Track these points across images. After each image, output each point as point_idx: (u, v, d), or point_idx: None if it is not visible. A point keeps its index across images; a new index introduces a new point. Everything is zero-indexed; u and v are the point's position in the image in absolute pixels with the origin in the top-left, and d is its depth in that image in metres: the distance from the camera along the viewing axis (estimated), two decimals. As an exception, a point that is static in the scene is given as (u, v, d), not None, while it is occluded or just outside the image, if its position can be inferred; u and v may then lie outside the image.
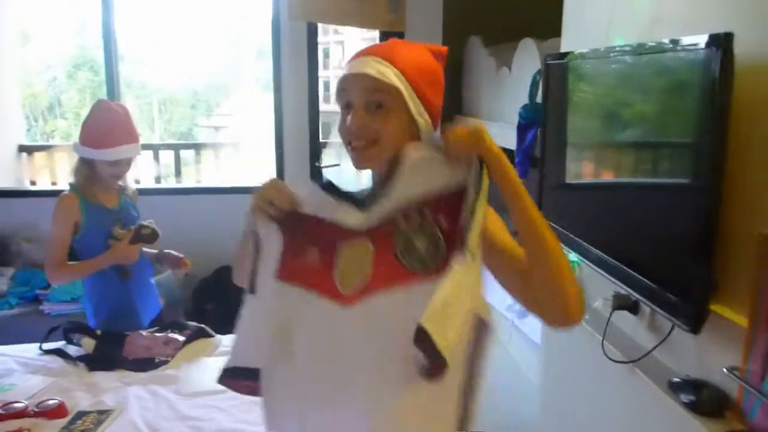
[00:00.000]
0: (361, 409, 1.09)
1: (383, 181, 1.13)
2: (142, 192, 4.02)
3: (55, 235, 2.39)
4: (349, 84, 1.16)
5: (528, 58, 2.92)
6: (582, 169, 1.97)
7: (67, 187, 2.45)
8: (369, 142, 1.14)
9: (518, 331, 3.68)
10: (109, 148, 2.37)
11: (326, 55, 10.87)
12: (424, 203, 1.09)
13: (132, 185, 2.65)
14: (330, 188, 1.19)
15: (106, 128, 2.38)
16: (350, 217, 1.14)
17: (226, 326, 2.68)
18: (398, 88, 1.12)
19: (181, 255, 2.69)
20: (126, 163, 2.46)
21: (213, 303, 3.78)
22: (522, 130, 3.10)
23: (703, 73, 1.29)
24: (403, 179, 1.11)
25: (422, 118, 1.16)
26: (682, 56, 1.39)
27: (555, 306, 1.08)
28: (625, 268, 1.61)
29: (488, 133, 1.06)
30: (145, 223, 2.51)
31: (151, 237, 2.51)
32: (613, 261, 1.66)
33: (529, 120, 3.00)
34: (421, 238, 1.07)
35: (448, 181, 1.09)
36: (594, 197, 1.88)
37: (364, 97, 1.14)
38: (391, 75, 1.12)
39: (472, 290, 1.01)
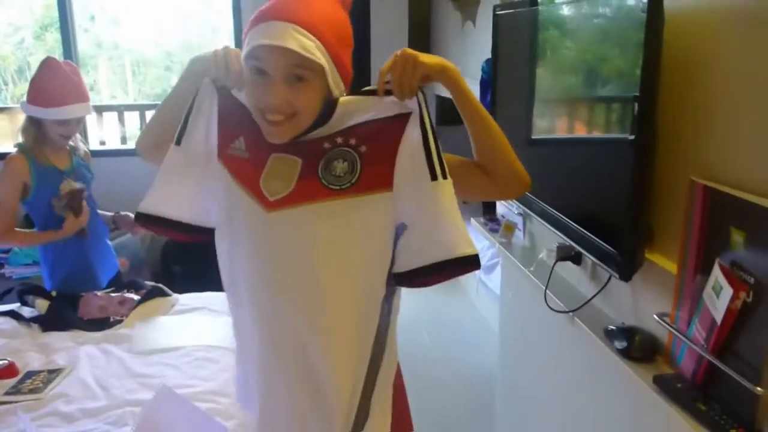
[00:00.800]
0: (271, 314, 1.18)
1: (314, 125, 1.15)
2: (106, 153, 4.02)
3: (1, 197, 2.34)
4: (266, 54, 1.07)
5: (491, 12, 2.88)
6: (527, 124, 1.95)
7: (14, 149, 2.40)
8: (287, 116, 1.10)
9: (484, 286, 3.73)
10: (58, 107, 2.31)
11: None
12: (349, 129, 1.14)
13: (82, 145, 2.57)
14: None
15: (54, 87, 2.32)
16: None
17: (191, 287, 2.69)
18: (322, 65, 1.08)
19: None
20: (75, 123, 2.41)
21: (180, 265, 3.76)
22: (485, 84, 3.07)
23: (633, 21, 1.27)
24: (333, 122, 1.14)
25: (338, 89, 1.14)
26: (614, 4, 1.37)
27: (512, 174, 1.18)
28: (567, 220, 1.61)
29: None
30: (63, 188, 2.38)
31: (76, 200, 2.39)
32: (557, 213, 1.66)
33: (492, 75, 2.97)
34: (340, 160, 1.12)
35: (372, 115, 1.14)
36: (538, 152, 1.87)
37: (284, 71, 1.08)
38: (315, 51, 1.06)
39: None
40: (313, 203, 1.11)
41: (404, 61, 1.08)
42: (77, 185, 2.38)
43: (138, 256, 3.67)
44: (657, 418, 1.26)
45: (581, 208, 1.56)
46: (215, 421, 1.54)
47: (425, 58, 1.09)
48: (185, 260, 3.78)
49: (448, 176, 1.09)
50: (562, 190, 1.66)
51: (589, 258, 1.59)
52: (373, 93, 1.13)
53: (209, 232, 1.25)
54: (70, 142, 2.47)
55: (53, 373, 1.94)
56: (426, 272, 1.10)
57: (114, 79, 8.03)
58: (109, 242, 2.70)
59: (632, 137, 1.29)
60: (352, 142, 1.13)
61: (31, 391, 1.84)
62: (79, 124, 2.44)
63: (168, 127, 1.23)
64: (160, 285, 2.55)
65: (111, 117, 4.73)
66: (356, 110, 1.14)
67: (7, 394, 1.84)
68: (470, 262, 1.07)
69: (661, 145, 1.34)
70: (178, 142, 1.19)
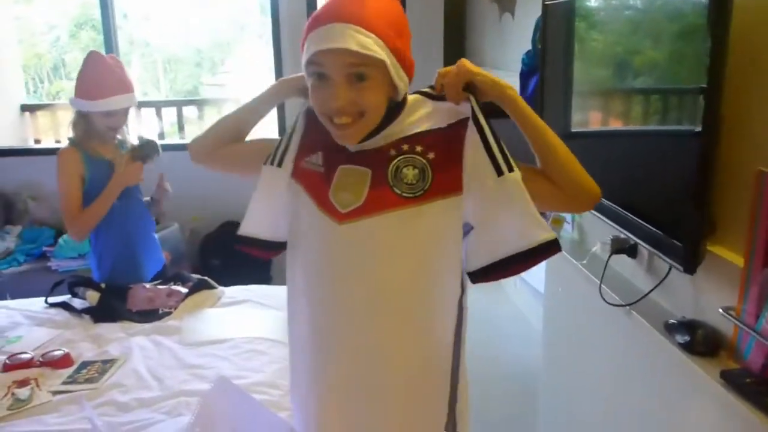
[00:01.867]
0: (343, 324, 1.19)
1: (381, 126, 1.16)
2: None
3: (65, 189, 2.37)
4: (325, 58, 1.07)
5: (531, 3, 2.85)
6: (583, 117, 1.93)
7: (66, 143, 2.44)
8: (355, 117, 1.11)
9: (523, 282, 3.70)
10: (102, 99, 2.35)
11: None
12: (413, 137, 1.15)
13: (129, 138, 2.61)
14: None
15: (98, 79, 2.36)
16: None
17: (231, 280, 2.72)
18: (383, 60, 1.07)
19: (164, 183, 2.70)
20: (122, 114, 2.44)
21: (218, 258, 3.80)
22: (525, 77, 3.05)
23: (698, 13, 1.25)
24: (389, 133, 1.16)
25: (402, 81, 1.14)
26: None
27: (579, 188, 1.16)
28: (623, 211, 1.59)
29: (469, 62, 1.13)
30: (138, 140, 2.50)
31: (149, 149, 2.51)
32: (615, 206, 1.64)
33: (532, 67, 2.94)
34: (411, 167, 1.13)
35: (433, 123, 1.16)
36: (593, 144, 1.85)
37: (345, 71, 1.07)
38: (374, 47, 1.05)
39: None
40: (386, 212, 1.12)
41: (455, 68, 1.13)
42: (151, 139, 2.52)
43: (178, 250, 3.72)
44: (725, 413, 1.24)
45: (642, 201, 1.54)
46: (272, 413, 1.55)
47: (473, 67, 1.13)
48: (224, 254, 3.82)
49: (515, 168, 1.09)
50: (621, 182, 1.63)
51: (647, 250, 1.57)
52: (430, 93, 1.18)
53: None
54: (118, 136, 2.51)
55: (107, 363, 1.97)
56: (503, 265, 1.11)
57: (146, 76, 8.13)
58: (155, 236, 2.73)
59: (698, 128, 1.27)
60: (419, 149, 1.14)
61: (87, 381, 1.88)
62: (126, 116, 2.48)
63: (228, 136, 1.33)
64: (206, 278, 2.57)
65: (149, 113, 4.79)
66: (418, 114, 1.17)
67: (64, 383, 1.87)
68: (550, 248, 1.09)
69: (724, 135, 1.31)
70: (280, 164, 1.23)
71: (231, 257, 3.76)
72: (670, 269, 1.50)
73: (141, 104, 4.57)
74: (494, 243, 1.11)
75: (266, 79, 4.23)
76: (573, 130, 2.00)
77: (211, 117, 5.06)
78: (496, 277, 1.13)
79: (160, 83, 8.70)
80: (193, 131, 5.02)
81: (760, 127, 1.25)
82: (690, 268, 1.32)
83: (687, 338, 1.37)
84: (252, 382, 1.86)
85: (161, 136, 4.71)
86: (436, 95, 1.18)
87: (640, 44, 1.57)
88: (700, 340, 1.36)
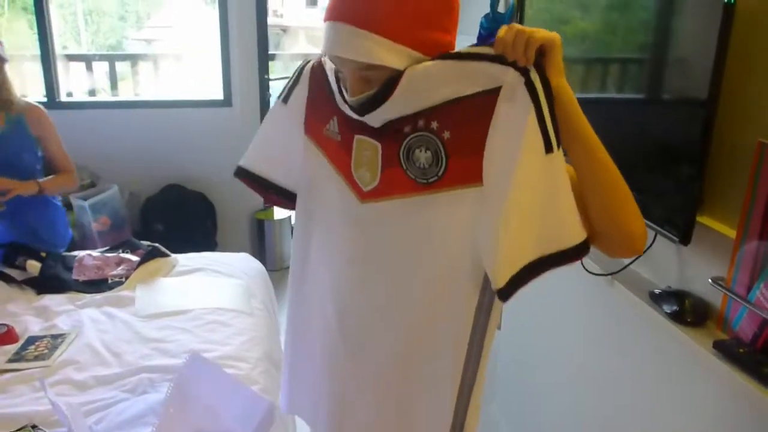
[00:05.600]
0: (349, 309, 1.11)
1: (372, 99, 1.00)
2: (74, 106, 3.80)
3: None
4: (334, 58, 1.00)
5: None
6: (571, 84, 1.89)
7: None
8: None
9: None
10: None
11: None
12: (430, 110, 0.99)
13: (20, 98, 2.30)
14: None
15: None
16: (349, 110, 1.06)
17: (178, 246, 2.59)
18: (393, 65, 0.96)
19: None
20: None
21: (161, 224, 3.63)
22: (483, 40, 2.99)
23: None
24: (401, 99, 0.99)
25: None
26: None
27: (621, 236, 1.00)
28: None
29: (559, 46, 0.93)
30: None
31: None
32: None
33: (491, 30, 2.89)
34: (423, 149, 1.00)
35: (455, 90, 0.97)
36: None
37: (355, 73, 0.99)
38: (380, 53, 0.94)
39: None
40: (402, 198, 1.02)
41: (520, 32, 0.91)
42: None
43: (118, 215, 3.52)
44: (718, 384, 1.26)
45: (633, 171, 1.51)
46: (249, 389, 1.48)
47: (545, 33, 0.92)
48: (165, 218, 3.65)
49: (561, 146, 0.93)
50: (611, 151, 1.61)
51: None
52: (461, 53, 0.96)
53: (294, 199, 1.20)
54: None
55: (57, 338, 1.84)
56: (530, 269, 0.96)
57: (65, 28, 7.62)
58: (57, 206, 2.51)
59: (699, 97, 1.25)
60: (434, 126, 0.98)
61: (37, 358, 1.74)
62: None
63: None
64: (157, 245, 2.44)
65: (78, 67, 4.46)
66: (439, 78, 0.97)
67: (10, 361, 1.73)
68: (580, 251, 0.96)
69: (720, 107, 1.30)
70: (285, 100, 1.16)
71: (175, 222, 3.61)
72: (654, 239, 1.50)
73: (69, 57, 4.26)
74: (525, 242, 0.95)
75: (205, 36, 4.01)
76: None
77: (147, 73, 4.77)
78: (519, 286, 0.97)
79: (81, 36, 8.19)
80: (128, 88, 4.73)
81: (756, 99, 1.25)
82: (685, 238, 1.32)
83: (675, 308, 1.38)
84: (219, 356, 1.77)
85: (92, 92, 4.41)
86: (467, 54, 0.95)
87: (625, 8, 1.54)
88: (689, 310, 1.36)
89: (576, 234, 0.96)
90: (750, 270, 1.24)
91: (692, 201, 1.32)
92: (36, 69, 3.70)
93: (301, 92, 1.16)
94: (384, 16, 0.94)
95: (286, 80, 1.20)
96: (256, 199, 4.02)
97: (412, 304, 1.06)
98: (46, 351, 1.77)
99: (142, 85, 4.73)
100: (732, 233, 1.29)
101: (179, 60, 4.73)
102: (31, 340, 1.83)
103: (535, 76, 0.91)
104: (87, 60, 4.48)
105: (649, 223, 1.44)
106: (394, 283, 1.06)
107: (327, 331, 1.15)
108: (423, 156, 1.00)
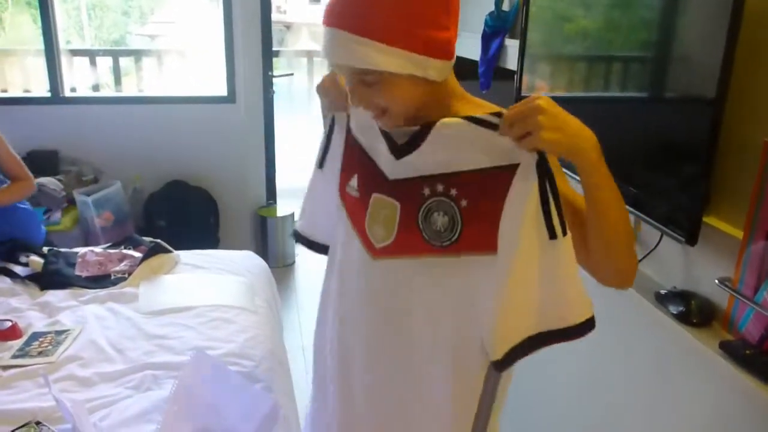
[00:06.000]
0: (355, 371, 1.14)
1: (414, 139, 1.03)
2: (78, 101, 3.80)
3: None
4: (332, 64, 1.02)
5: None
6: (567, 80, 1.89)
7: None
8: (378, 113, 1.03)
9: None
10: None
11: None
12: (451, 176, 1.01)
13: None
14: None
15: None
16: (382, 158, 1.08)
17: (178, 242, 2.58)
18: (390, 69, 0.96)
19: None
20: None
21: (164, 219, 3.63)
22: (487, 39, 2.99)
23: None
24: (431, 150, 1.02)
25: (433, 70, 0.99)
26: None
27: (615, 271, 1.03)
28: (621, 183, 1.57)
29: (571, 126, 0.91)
30: None
31: None
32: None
33: (495, 28, 2.88)
34: (441, 213, 1.02)
35: (477, 162, 0.99)
36: (578, 110, 1.81)
37: (355, 78, 1.00)
38: (375, 57, 0.94)
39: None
40: (414, 258, 1.04)
41: (532, 116, 0.88)
42: None
43: (122, 210, 3.52)
44: (724, 385, 1.25)
45: (638, 170, 1.51)
46: (253, 386, 1.48)
47: (552, 135, 0.87)
48: (170, 215, 3.65)
49: (568, 231, 0.93)
50: (616, 152, 1.60)
51: (643, 221, 1.56)
52: (484, 120, 0.96)
53: None
54: None
55: (61, 334, 1.84)
56: (528, 343, 0.97)
57: (69, 23, 7.62)
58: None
59: (706, 95, 1.24)
60: (453, 192, 1.01)
61: (40, 354, 1.74)
62: None
63: None
64: (159, 240, 2.44)
65: (82, 62, 4.46)
66: (460, 144, 0.99)
67: (14, 357, 1.73)
68: (584, 327, 0.97)
69: (727, 107, 1.30)
70: (321, 165, 1.21)
71: (177, 218, 3.61)
72: (660, 239, 1.49)
73: (72, 52, 4.25)
74: (529, 314, 0.97)
75: (208, 31, 4.00)
76: (559, 94, 1.97)
77: (150, 69, 4.77)
78: (517, 359, 0.99)
79: (84, 31, 8.18)
80: (131, 84, 4.72)
81: (765, 98, 1.24)
82: (692, 239, 1.31)
83: (681, 309, 1.37)
84: (223, 353, 1.77)
85: (95, 87, 4.41)
86: (490, 122, 0.96)
87: (632, 5, 1.54)
88: (695, 311, 1.36)
89: (579, 313, 0.97)
90: (757, 271, 1.24)
91: (699, 201, 1.31)
92: (40, 64, 3.69)
93: (336, 152, 1.19)
94: (378, 21, 0.94)
95: (321, 140, 1.21)
96: (259, 196, 4.02)
97: (420, 361, 1.07)
98: (50, 347, 1.77)
99: (146, 81, 4.73)
100: (739, 234, 1.28)
101: (183, 56, 4.72)
102: (35, 336, 1.83)
103: (543, 163, 0.92)
104: (91, 55, 4.47)
105: (655, 223, 1.44)
106: (403, 339, 1.08)
107: (339, 378, 1.18)
108: (440, 220, 1.02)
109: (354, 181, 1.13)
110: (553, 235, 0.92)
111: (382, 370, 1.11)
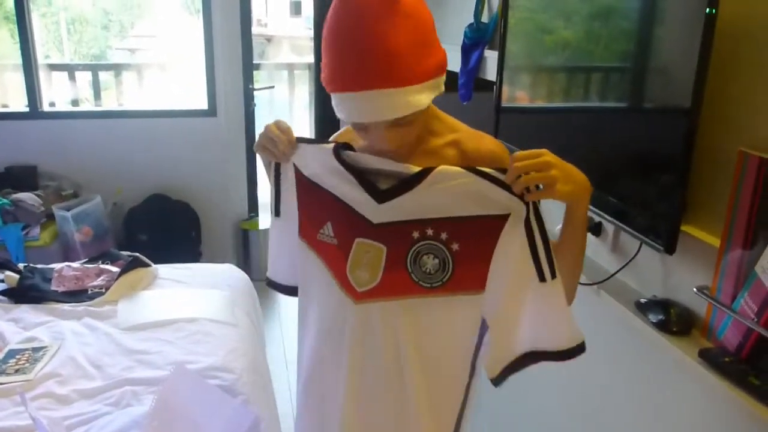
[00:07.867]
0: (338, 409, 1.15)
1: (405, 184, 1.05)
2: (57, 116, 3.77)
3: None
4: (363, 123, 1.03)
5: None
6: (547, 91, 1.90)
7: None
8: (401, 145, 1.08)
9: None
10: None
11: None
12: (442, 221, 1.05)
13: None
14: (348, 164, 1.10)
15: None
16: (361, 203, 1.10)
17: (159, 256, 2.56)
18: (425, 105, 1.01)
19: None
20: None
21: (145, 233, 3.59)
22: (467, 50, 3.01)
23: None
24: (423, 195, 1.05)
25: (441, 85, 1.05)
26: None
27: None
28: (600, 192, 1.58)
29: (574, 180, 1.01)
30: None
31: None
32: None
33: (475, 40, 2.91)
34: (431, 256, 1.05)
35: (472, 210, 1.04)
36: (559, 119, 1.83)
37: (391, 128, 1.03)
38: (414, 100, 0.98)
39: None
40: (400, 299, 1.07)
41: (546, 170, 0.96)
42: None
43: (102, 225, 3.48)
44: (703, 392, 1.26)
45: (615, 179, 1.53)
46: (234, 401, 1.46)
47: (564, 185, 0.97)
48: (151, 229, 3.62)
49: (557, 274, 1.02)
50: (596, 162, 1.62)
51: (612, 229, 1.57)
52: (484, 173, 1.02)
53: None
54: None
55: (38, 351, 1.81)
56: (522, 359, 1.09)
57: (48, 37, 7.56)
58: None
59: (682, 106, 1.26)
60: (444, 237, 1.05)
61: (18, 372, 1.71)
62: None
63: None
64: (137, 254, 2.41)
65: (60, 77, 4.42)
66: (454, 192, 1.03)
67: (-10, 375, 1.70)
68: (573, 352, 1.07)
69: (705, 113, 1.31)
70: (277, 214, 1.21)
71: (159, 232, 3.58)
72: (639, 248, 1.50)
73: (51, 67, 4.22)
74: (524, 341, 1.07)
75: (189, 45, 3.99)
76: (539, 105, 1.98)
77: (130, 83, 4.73)
78: (511, 372, 1.11)
79: (64, 46, 8.12)
80: (111, 98, 4.69)
81: (738, 108, 1.26)
82: (670, 248, 1.32)
83: (661, 317, 1.38)
84: (204, 367, 1.76)
85: (75, 102, 4.37)
86: (491, 176, 1.01)
87: (606, 15, 1.56)
88: (674, 319, 1.36)
89: (569, 340, 1.06)
90: (734, 279, 1.25)
91: (676, 210, 1.32)
92: (18, 79, 3.66)
93: (290, 199, 1.18)
94: (405, 66, 0.96)
95: (271, 190, 1.22)
96: (241, 209, 4.00)
97: (403, 388, 1.11)
98: (27, 364, 1.74)
99: (126, 95, 4.69)
100: (716, 242, 1.30)
101: (163, 70, 4.69)
102: (12, 354, 1.79)
103: (533, 218, 1.00)
104: (70, 70, 4.44)
105: (633, 232, 1.45)
106: (391, 373, 1.11)
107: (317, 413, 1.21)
108: (431, 262, 1.05)
109: (328, 230, 1.13)
110: (542, 278, 1.01)
111: (364, 406, 1.14)
